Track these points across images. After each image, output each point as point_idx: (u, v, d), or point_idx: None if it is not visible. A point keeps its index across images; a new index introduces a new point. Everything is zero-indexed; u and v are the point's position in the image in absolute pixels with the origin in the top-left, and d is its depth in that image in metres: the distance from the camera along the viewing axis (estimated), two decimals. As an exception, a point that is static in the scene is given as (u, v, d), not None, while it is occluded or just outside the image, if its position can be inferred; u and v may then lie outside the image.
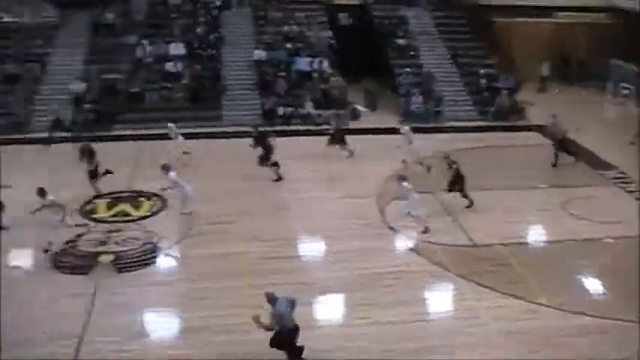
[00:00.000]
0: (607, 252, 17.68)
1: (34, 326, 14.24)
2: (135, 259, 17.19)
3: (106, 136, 26.72)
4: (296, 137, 26.69)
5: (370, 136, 26.74)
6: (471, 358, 13.42)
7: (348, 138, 24.58)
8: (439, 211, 19.87)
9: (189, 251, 17.67)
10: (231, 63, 31.28)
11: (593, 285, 16.23)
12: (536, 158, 24.70)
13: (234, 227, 18.77)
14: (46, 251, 17.09)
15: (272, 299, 12.87)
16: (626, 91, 33.51)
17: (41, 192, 17.32)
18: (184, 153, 23.68)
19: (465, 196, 20.13)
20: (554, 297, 15.34)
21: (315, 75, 30.82)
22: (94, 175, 21.06)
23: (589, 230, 18.83)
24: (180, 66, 30.04)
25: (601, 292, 15.99)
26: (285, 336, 12.86)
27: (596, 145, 25.74)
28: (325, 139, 24.49)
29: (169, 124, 24.12)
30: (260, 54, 31.10)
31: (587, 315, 14.72)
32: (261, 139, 22.61)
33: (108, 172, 21.18)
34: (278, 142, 22.80)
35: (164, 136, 24.33)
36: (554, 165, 23.89)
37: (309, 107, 29.10)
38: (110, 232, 18.67)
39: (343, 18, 36.50)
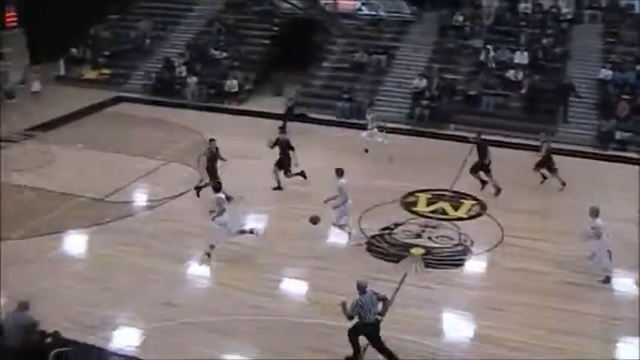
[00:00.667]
0: None
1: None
2: (444, 258, 17.49)
3: (438, 134, 27.51)
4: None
5: None
6: None
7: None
8: None
9: (498, 260, 17.54)
10: (573, 79, 30.28)
11: None
12: None
13: (547, 246, 18.14)
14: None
15: (361, 288, 12.79)
16: None
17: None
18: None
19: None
20: None
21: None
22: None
23: None
24: (520, 75, 29.70)
25: None
26: (362, 329, 12.80)
27: None
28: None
29: (369, 115, 25.27)
30: (606, 73, 29.66)
31: None
32: (482, 147, 21.55)
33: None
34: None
35: (497, 143, 24.39)
36: None
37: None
38: (426, 227, 19.14)
39: None
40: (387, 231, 18.82)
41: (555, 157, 21.80)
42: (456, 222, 19.51)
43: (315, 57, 33.90)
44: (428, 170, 23.19)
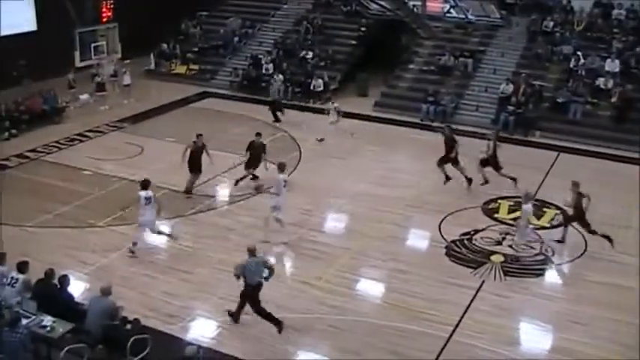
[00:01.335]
0: None
1: (418, 304, 15.16)
2: (524, 267, 17.22)
3: (523, 141, 27.11)
4: None
5: None
6: None
7: None
8: None
9: (580, 272, 17.17)
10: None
11: None
12: None
13: (631, 260, 17.57)
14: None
15: (250, 252, 14.12)
16: None
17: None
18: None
19: None
20: None
21: None
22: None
23: None
24: (611, 83, 28.97)
25: None
26: (247, 290, 14.02)
27: None
28: None
29: (332, 104, 26.24)
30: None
31: None
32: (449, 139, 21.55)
33: (512, 178, 21.41)
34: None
35: (585, 152, 23.82)
36: None
37: None
38: (507, 234, 18.85)
39: None
40: (466, 236, 18.65)
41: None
42: (537, 231, 19.18)
43: (402, 59, 33.81)
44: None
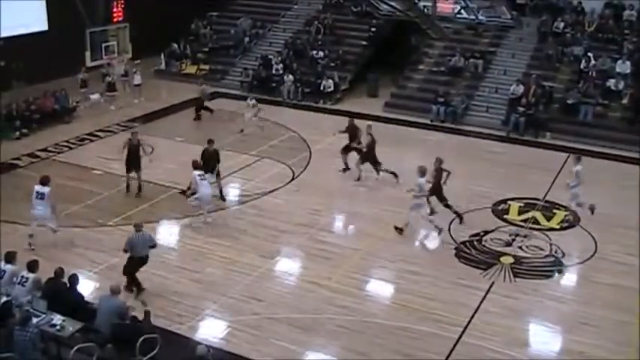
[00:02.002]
0: None
1: (428, 305, 15.15)
2: (534, 268, 17.18)
3: (534, 142, 27.04)
4: None
5: None
6: None
7: None
8: None
9: (589, 274, 17.11)
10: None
11: None
12: None
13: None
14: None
15: (136, 227, 15.32)
16: None
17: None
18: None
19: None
20: None
21: None
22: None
23: None
24: (622, 85, 28.87)
25: None
26: (131, 263, 15.18)
27: None
28: None
29: (250, 100, 26.75)
30: None
31: None
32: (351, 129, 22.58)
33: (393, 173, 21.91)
34: None
35: (596, 154, 23.84)
36: None
37: None
38: (517, 235, 18.83)
39: None
40: (476, 237, 18.62)
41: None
42: (547, 232, 19.12)
43: (412, 59, 33.78)
44: (521, 178, 22.81)
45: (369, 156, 21.81)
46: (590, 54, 30.34)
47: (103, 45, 33.19)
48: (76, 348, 11.72)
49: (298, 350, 13.78)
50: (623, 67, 29.57)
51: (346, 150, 22.68)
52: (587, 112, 28.25)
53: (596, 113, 28.37)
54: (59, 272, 13.66)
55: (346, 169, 22.66)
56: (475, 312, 15.11)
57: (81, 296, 13.74)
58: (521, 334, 14.61)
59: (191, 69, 35.41)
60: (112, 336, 12.16)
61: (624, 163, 24.62)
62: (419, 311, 15.07)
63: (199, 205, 18.92)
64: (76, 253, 16.91)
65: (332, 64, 33.39)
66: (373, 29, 35.14)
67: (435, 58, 33.25)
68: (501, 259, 17.52)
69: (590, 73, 29.78)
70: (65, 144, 25.14)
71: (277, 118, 28.39)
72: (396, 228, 18.66)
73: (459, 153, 24.85)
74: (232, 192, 21.66)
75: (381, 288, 16.52)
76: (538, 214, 20.21)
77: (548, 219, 19.92)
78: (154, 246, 15.50)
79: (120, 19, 34.52)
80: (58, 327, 12.33)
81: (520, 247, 18.17)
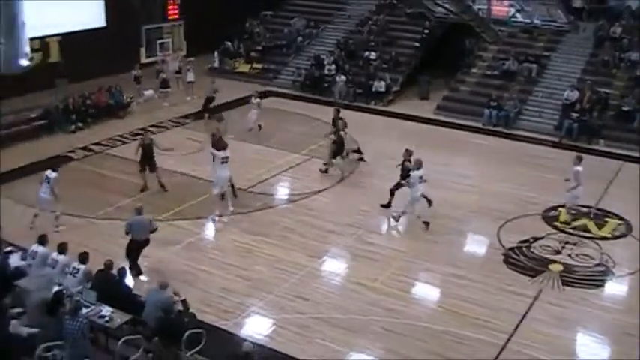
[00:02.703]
0: None
1: (473, 310, 15.05)
2: (583, 277, 16.93)
3: (586, 149, 26.60)
4: None
5: None
6: None
7: None
8: None
9: (640, 285, 16.85)
10: None
11: None
12: None
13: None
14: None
15: (137, 211, 16.09)
16: None
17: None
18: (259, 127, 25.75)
19: None
20: None
21: None
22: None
23: None
24: (680, 92, 28.30)
25: None
26: (131, 245, 15.81)
27: None
28: None
29: (255, 100, 26.26)
30: None
31: None
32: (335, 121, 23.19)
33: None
34: None
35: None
36: None
37: None
38: (567, 243, 18.59)
39: None
40: (525, 244, 18.42)
41: None
42: (598, 241, 18.83)
43: (465, 62, 33.56)
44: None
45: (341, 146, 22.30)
46: (648, 59, 29.81)
47: (158, 42, 33.77)
48: (123, 339, 11.94)
49: (342, 350, 13.80)
50: (680, 73, 29.00)
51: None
52: (643, 118, 27.76)
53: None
54: (109, 264, 13.93)
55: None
56: (522, 319, 14.96)
57: (129, 289, 14.00)
58: (568, 344, 14.43)
59: (244, 67, 35.68)
60: (158, 329, 12.34)
61: None
62: (464, 316, 14.99)
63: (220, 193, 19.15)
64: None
65: (384, 66, 33.32)
66: (426, 31, 34.98)
67: (488, 62, 32.95)
68: (550, 266, 17.31)
69: (647, 78, 29.26)
70: (119, 138, 25.56)
71: (329, 118, 28.38)
72: (394, 217, 19.31)
73: (510, 158, 24.65)
74: (281, 190, 21.79)
75: (426, 291, 16.47)
76: (589, 222, 19.89)
77: (600, 227, 19.61)
78: (154, 231, 16.08)
79: (175, 16, 35.02)
80: (106, 318, 12.59)
81: (570, 255, 17.92)
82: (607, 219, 20.13)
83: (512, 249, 18.11)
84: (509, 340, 14.20)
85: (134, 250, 15.93)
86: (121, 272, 14.03)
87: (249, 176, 21.98)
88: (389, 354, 13.73)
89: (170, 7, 34.96)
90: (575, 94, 28.72)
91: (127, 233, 15.89)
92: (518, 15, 34.08)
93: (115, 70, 30.38)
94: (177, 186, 21.07)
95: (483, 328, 14.54)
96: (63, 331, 11.56)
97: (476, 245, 18.86)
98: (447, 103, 30.92)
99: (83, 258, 13.94)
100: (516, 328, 14.62)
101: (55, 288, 13.06)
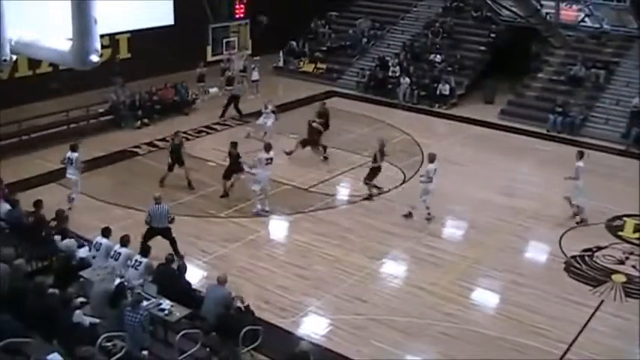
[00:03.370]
0: None
1: (533, 318, 14.87)
2: (646, 288, 16.59)
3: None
4: None
5: None
6: None
7: None
8: None
9: None
10: None
11: None
12: None
13: None
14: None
15: (156, 199, 16.34)
16: None
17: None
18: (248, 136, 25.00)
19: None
20: None
21: None
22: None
23: None
24: None
25: None
26: (149, 231, 16.08)
27: None
28: None
29: (269, 106, 25.59)
30: None
31: None
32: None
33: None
34: None
35: None
36: None
37: None
38: (631, 254, 18.20)
39: None
40: (588, 253, 18.11)
41: None
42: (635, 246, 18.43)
43: (531, 67, 33.11)
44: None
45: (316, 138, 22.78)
46: None
47: (224, 40, 34.16)
48: (181, 333, 12.13)
49: (397, 353, 13.80)
50: None
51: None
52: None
53: None
54: (170, 259, 14.18)
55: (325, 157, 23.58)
56: (582, 329, 14.71)
57: (188, 283, 14.20)
58: (630, 357, 14.12)
59: (308, 67, 35.85)
60: (216, 324, 12.51)
61: None
62: (523, 324, 14.81)
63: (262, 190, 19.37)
64: (187, 242, 17.36)
65: (449, 69, 33.11)
66: (493, 35, 34.65)
67: (555, 67, 32.46)
68: (613, 277, 16.97)
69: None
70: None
71: (392, 120, 28.42)
72: (405, 216, 19.44)
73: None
74: (342, 191, 21.84)
75: (485, 297, 16.33)
76: (656, 234, 19.50)
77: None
78: (172, 220, 16.38)
79: (241, 16, 35.39)
80: (166, 311, 12.80)
81: (634, 266, 17.54)
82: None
83: (574, 258, 17.82)
84: (568, 350, 13.99)
85: (149, 237, 16.12)
86: (181, 267, 14.26)
87: (311, 175, 22.12)
88: (445, 358, 13.66)
89: (236, 6, 35.34)
90: (643, 101, 28.10)
91: (147, 223, 16.23)
92: (587, 20, 33.45)
93: (181, 67, 30.84)
94: (239, 183, 21.27)
95: (542, 337, 14.34)
96: (123, 322, 11.82)
97: (537, 253, 18.63)
98: (512, 108, 30.56)
99: (125, 242, 14.40)
100: (576, 338, 14.38)
101: (117, 280, 13.35)
